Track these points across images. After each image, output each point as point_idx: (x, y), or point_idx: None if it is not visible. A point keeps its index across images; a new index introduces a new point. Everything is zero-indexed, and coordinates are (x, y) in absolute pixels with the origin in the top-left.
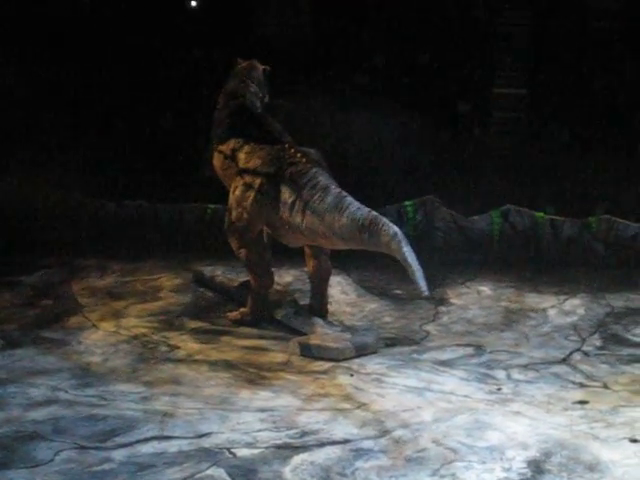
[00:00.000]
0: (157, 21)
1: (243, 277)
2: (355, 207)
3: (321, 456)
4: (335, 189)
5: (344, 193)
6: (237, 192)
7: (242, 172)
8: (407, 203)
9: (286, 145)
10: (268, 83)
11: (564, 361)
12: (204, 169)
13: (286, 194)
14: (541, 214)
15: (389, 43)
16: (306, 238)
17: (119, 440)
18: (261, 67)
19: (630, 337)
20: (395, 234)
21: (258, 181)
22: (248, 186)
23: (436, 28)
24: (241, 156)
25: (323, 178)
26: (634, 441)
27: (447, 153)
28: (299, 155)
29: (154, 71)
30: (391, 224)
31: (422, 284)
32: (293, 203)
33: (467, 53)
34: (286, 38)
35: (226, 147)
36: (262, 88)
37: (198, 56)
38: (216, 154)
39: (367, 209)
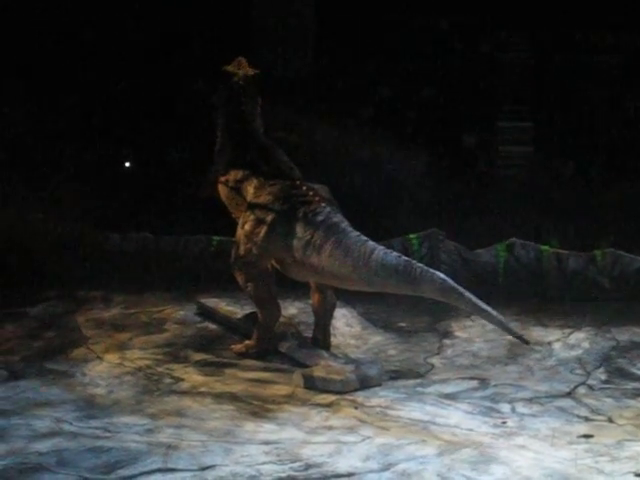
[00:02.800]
0: (159, 54)
1: (247, 309)
2: (382, 252)
3: None
4: (353, 232)
5: (363, 237)
6: (247, 227)
7: (252, 206)
8: (412, 236)
9: (297, 182)
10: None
11: (569, 395)
12: (204, 190)
13: (300, 233)
14: (546, 247)
15: (394, 76)
16: (320, 277)
17: (123, 472)
18: (247, 75)
19: (635, 371)
20: (444, 280)
21: (270, 217)
22: (259, 221)
23: (441, 62)
24: (249, 189)
25: (337, 219)
26: (639, 475)
27: (452, 186)
28: (311, 193)
29: (159, 103)
30: (429, 269)
31: (512, 329)
32: (307, 243)
33: (472, 87)
34: (290, 71)
35: (230, 177)
36: (255, 97)
37: (201, 89)
38: (220, 185)
39: (395, 253)
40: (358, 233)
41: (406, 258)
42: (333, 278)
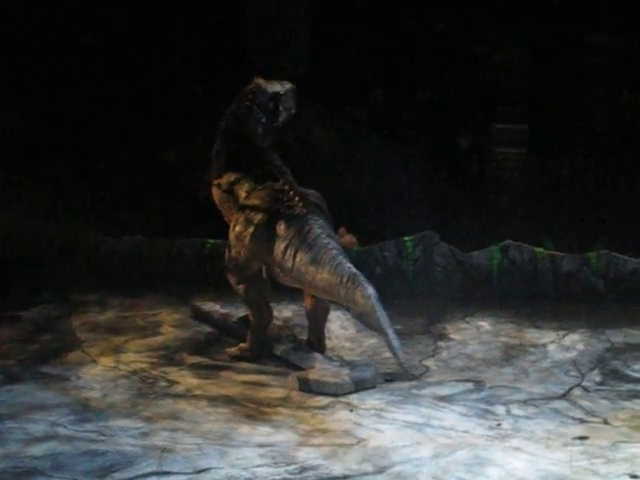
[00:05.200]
0: (155, 55)
1: (242, 312)
2: (337, 262)
3: None
4: (324, 239)
5: (332, 245)
6: (237, 228)
7: (242, 209)
8: (406, 238)
9: (285, 187)
10: (283, 107)
11: (564, 397)
12: (203, 190)
13: (281, 236)
14: (540, 249)
15: (389, 78)
16: (297, 283)
17: (118, 476)
18: (271, 91)
19: (630, 373)
20: (369, 296)
21: (256, 220)
22: (248, 223)
23: (436, 63)
24: (240, 193)
25: (316, 225)
26: (634, 477)
27: (447, 188)
28: (297, 198)
29: (154, 105)
30: (368, 284)
31: (400, 356)
32: (286, 247)
33: (467, 88)
34: (285, 72)
35: (224, 181)
36: (270, 114)
37: (196, 90)
38: (214, 188)
39: (348, 265)
40: (329, 241)
41: (355, 271)
42: (303, 283)
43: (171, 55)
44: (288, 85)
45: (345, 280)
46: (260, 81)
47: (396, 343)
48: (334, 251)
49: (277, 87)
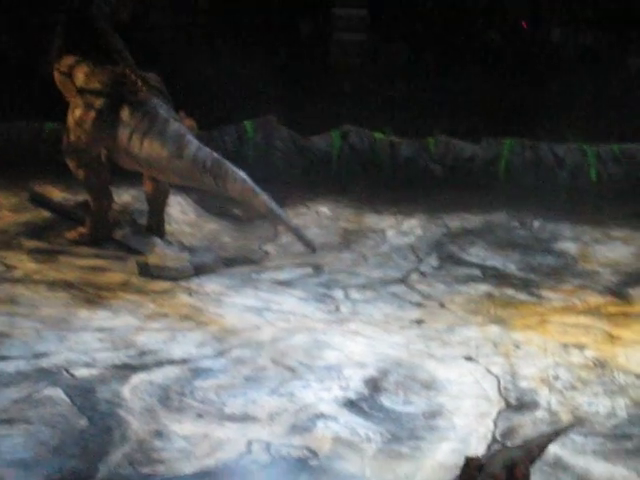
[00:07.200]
0: None
1: (81, 197)
2: (195, 147)
3: (160, 376)
4: (174, 123)
5: (183, 129)
6: (77, 113)
7: (82, 92)
8: (246, 122)
9: (127, 70)
10: None
11: (402, 281)
12: (45, 65)
13: (125, 121)
14: (380, 135)
15: None
16: (142, 167)
17: None
18: None
19: (465, 257)
20: (245, 180)
21: (98, 104)
22: (89, 107)
23: None
24: (79, 75)
25: (163, 110)
26: (469, 359)
27: (287, 73)
28: (140, 82)
29: None
30: (237, 169)
31: (306, 238)
32: (132, 131)
33: None
34: None
35: (63, 64)
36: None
37: None
38: (55, 69)
39: (208, 149)
40: (179, 124)
41: (217, 156)
42: (153, 168)
43: None
44: None
45: (209, 165)
46: None
47: (292, 222)
48: (188, 135)
49: None
